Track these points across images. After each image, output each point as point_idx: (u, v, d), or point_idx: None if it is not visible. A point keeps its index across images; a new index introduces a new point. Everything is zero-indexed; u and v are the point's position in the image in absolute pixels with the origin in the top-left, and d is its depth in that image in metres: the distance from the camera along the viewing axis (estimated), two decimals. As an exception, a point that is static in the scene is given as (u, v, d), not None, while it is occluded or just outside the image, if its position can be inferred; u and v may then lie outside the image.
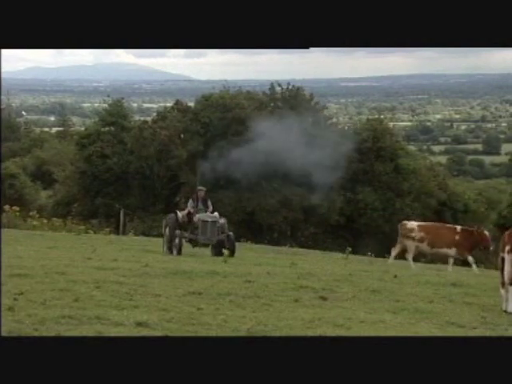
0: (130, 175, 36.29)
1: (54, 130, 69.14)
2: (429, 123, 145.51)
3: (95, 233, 25.39)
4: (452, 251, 18.24)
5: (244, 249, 20.30)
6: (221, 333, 6.71)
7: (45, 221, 27.02)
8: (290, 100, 37.80)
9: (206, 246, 17.48)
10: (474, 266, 18.12)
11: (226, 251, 17.10)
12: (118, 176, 36.36)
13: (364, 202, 37.23)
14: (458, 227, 19.11)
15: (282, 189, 34.59)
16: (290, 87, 38.67)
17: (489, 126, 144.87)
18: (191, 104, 39.20)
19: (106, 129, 37.68)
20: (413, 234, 18.33)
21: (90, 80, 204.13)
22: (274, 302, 8.77)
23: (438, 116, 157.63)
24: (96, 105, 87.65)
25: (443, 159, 77.77)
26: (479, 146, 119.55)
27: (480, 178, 77.90)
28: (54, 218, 28.66)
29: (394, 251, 18.80)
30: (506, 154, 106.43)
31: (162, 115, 38.20)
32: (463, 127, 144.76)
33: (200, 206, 17.81)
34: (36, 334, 6.32)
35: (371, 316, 8.00)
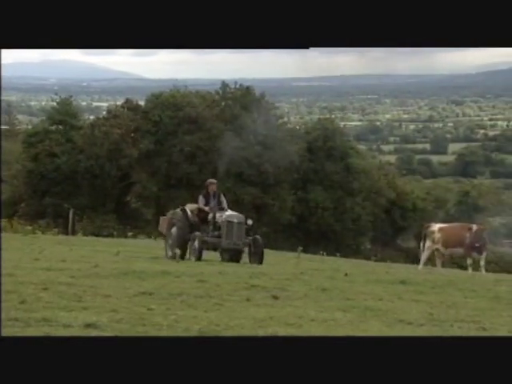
0: (80, 174, 35.72)
1: None
2: (378, 123, 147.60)
3: (43, 233, 24.90)
4: (461, 251, 17.64)
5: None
6: (172, 333, 6.65)
7: (-11, 221, 26.38)
8: (240, 99, 37.85)
9: (231, 251, 14.71)
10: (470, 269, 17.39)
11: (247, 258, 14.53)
12: (66, 175, 35.75)
13: (315, 201, 37.53)
14: (474, 226, 17.93)
15: (234, 188, 34.61)
16: (238, 86, 38.73)
17: (436, 125, 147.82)
18: (141, 103, 38.87)
19: (54, 127, 37.01)
20: (433, 236, 18.02)
21: (36, 77, 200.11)
22: (226, 301, 8.74)
23: (387, 116, 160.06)
24: (43, 103, 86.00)
25: (392, 158, 79.04)
26: (427, 146, 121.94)
27: (428, 176, 79.53)
28: None
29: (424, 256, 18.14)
30: (453, 153, 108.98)
31: (114, 114, 37.76)
32: (412, 127, 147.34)
33: (213, 202, 14.84)
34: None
35: (322, 314, 8.05)
